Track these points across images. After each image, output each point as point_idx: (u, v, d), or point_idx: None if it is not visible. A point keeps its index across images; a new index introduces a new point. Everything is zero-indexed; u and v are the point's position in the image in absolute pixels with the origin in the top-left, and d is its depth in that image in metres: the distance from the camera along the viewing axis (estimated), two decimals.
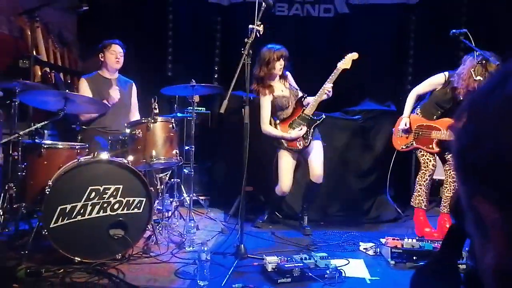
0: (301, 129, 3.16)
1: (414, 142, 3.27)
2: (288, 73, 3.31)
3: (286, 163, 3.22)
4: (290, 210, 3.69)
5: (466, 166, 0.39)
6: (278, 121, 3.24)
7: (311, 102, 3.18)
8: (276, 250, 2.77)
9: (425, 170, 3.22)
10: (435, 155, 3.23)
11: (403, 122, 3.28)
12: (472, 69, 2.88)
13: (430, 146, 3.19)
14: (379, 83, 4.85)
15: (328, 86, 3.10)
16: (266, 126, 3.19)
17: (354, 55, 3.17)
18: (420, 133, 3.23)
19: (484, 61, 2.82)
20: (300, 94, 3.27)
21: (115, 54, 3.22)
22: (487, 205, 0.37)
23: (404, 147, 3.34)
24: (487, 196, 0.37)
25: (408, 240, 2.66)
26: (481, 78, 2.81)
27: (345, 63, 3.15)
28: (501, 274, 0.37)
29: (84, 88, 3.19)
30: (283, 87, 3.26)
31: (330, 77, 3.14)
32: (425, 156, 3.24)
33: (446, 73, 3.16)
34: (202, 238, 2.95)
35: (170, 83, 3.40)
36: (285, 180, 3.22)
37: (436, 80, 3.21)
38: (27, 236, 2.41)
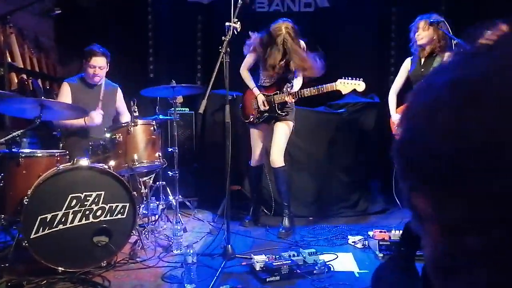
0: (263, 105, 3.17)
1: None
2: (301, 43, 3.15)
3: (251, 137, 3.35)
4: (278, 207, 3.68)
5: (405, 162, 0.39)
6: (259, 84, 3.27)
7: (284, 93, 3.15)
8: (264, 248, 2.75)
9: None
10: None
11: (393, 126, 3.30)
12: (422, 26, 3.05)
13: None
14: (361, 75, 4.85)
15: (294, 90, 3.10)
16: (243, 70, 3.31)
17: (361, 86, 3.08)
18: None
19: (437, 23, 2.89)
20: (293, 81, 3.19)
21: (93, 69, 3.02)
22: (422, 200, 0.38)
23: None
24: (421, 191, 0.38)
25: (396, 232, 2.67)
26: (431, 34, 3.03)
27: (346, 87, 3.06)
28: (439, 269, 0.37)
29: (65, 94, 3.09)
30: (279, 55, 3.11)
31: (318, 87, 3.08)
32: None
33: (409, 57, 3.27)
34: (190, 240, 2.92)
35: (152, 85, 3.35)
36: (253, 152, 3.36)
37: (404, 67, 3.30)
38: (8, 248, 2.35)
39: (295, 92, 3.10)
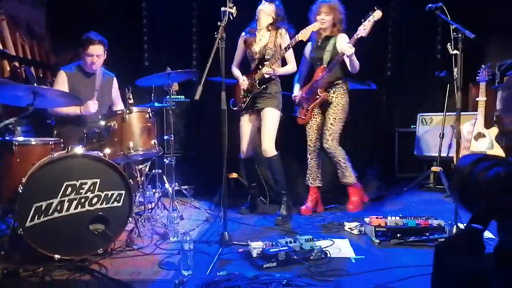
0: (244, 82, 3.28)
1: None
2: (283, 30, 3.23)
3: (240, 128, 3.41)
4: (275, 194, 3.67)
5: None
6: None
7: (264, 69, 3.17)
8: (261, 235, 2.75)
9: None
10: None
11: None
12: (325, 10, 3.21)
13: None
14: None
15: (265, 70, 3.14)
16: (232, 66, 3.41)
17: (315, 26, 3.10)
18: None
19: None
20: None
21: (91, 58, 2.99)
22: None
23: None
24: None
25: (392, 218, 2.67)
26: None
27: (303, 34, 3.07)
28: None
29: (61, 82, 3.04)
30: (264, 39, 3.26)
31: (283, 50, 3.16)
32: None
33: (309, 42, 3.42)
34: (186, 228, 2.92)
35: (147, 74, 3.31)
36: (241, 143, 3.40)
37: (305, 53, 3.48)
38: (3, 237, 2.34)
39: (268, 63, 3.15)
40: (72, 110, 2.95)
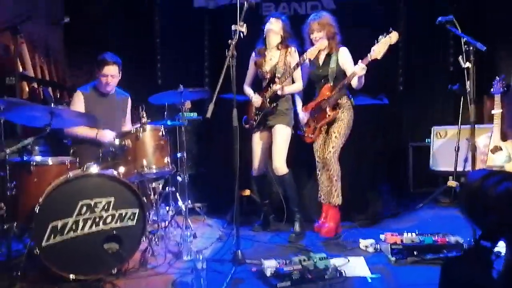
0: (256, 100, 3.29)
1: None
2: (292, 48, 3.26)
3: (252, 145, 3.41)
4: (289, 212, 3.64)
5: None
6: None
7: (275, 87, 3.20)
8: (274, 253, 2.73)
9: None
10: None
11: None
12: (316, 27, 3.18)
13: None
14: (370, 77, 4.83)
15: (275, 88, 3.18)
16: (244, 85, 3.44)
17: (322, 45, 3.09)
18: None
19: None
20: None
21: (106, 78, 3.06)
22: None
23: None
24: None
25: (408, 234, 2.62)
26: None
27: (311, 52, 3.08)
28: None
29: (78, 102, 3.12)
30: (275, 58, 3.29)
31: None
32: None
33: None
34: (199, 246, 2.91)
35: (160, 91, 3.36)
36: (253, 161, 3.40)
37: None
38: (21, 256, 2.36)
39: (278, 81, 3.18)
40: (88, 133, 3.01)
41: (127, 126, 3.37)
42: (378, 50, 2.94)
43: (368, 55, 2.98)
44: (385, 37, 2.94)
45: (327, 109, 3.18)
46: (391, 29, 2.95)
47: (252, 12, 2.72)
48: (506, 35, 4.49)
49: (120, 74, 3.14)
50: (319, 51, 3.16)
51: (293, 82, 3.33)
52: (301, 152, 3.43)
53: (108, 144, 2.87)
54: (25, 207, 2.44)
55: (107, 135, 3.00)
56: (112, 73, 3.07)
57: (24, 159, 2.56)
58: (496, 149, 3.74)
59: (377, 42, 2.96)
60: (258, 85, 3.46)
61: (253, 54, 3.43)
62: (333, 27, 3.20)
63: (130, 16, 4.98)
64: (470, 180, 1.05)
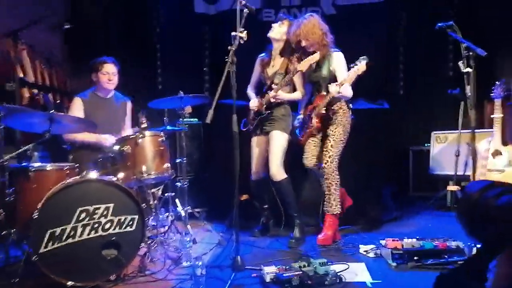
0: (253, 104, 3.31)
1: None
2: (294, 57, 3.23)
3: (251, 149, 3.40)
4: (288, 217, 3.63)
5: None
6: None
7: (270, 94, 3.20)
8: (274, 258, 2.71)
9: None
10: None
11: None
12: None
13: None
14: (370, 81, 4.83)
15: (271, 94, 3.18)
16: (248, 88, 3.49)
17: (314, 58, 3.04)
18: None
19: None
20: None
21: (107, 76, 3.13)
22: None
23: None
24: None
25: (408, 240, 2.60)
26: None
27: (303, 65, 3.05)
28: None
29: (76, 108, 3.13)
30: (277, 65, 3.29)
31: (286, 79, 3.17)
32: None
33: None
34: (199, 252, 2.90)
35: (160, 97, 3.37)
36: (252, 163, 3.39)
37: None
38: (19, 263, 2.35)
39: (275, 89, 3.18)
40: (88, 137, 3.01)
41: (128, 131, 3.38)
42: (349, 76, 2.93)
43: (343, 78, 2.96)
44: (356, 64, 2.91)
45: (313, 119, 3.15)
46: (360, 58, 2.91)
47: (252, 18, 2.73)
48: (505, 40, 4.50)
49: (118, 75, 3.17)
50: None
51: (294, 89, 3.33)
52: (299, 157, 3.42)
53: (109, 148, 2.88)
54: (24, 213, 2.42)
55: (108, 140, 3.00)
56: (112, 71, 3.13)
57: (23, 165, 2.55)
58: (497, 153, 3.74)
59: (352, 66, 2.94)
60: (262, 90, 3.45)
61: (259, 58, 3.44)
62: (321, 29, 3.10)
63: (131, 22, 5.01)
64: (469, 192, 1.04)
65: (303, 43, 3.13)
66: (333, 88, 2.97)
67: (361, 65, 2.88)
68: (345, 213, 3.34)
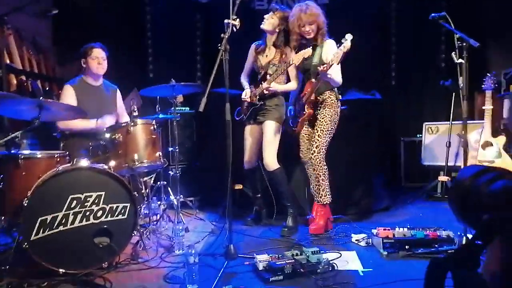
0: (245, 95, 3.30)
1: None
2: (288, 48, 3.22)
3: (244, 137, 3.39)
4: (280, 206, 3.64)
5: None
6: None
7: (263, 85, 3.19)
8: (267, 247, 2.72)
9: None
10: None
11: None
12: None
13: None
14: (362, 72, 4.83)
15: (264, 86, 3.17)
16: (241, 76, 3.47)
17: (306, 52, 3.00)
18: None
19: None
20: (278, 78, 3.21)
21: (97, 60, 3.08)
22: None
23: None
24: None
25: (399, 229, 2.63)
26: None
27: (296, 58, 3.01)
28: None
29: (69, 96, 3.07)
30: (270, 55, 3.27)
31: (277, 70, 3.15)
32: None
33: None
34: (192, 240, 2.90)
35: (151, 85, 3.32)
36: (245, 152, 3.38)
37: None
38: (9, 251, 2.32)
39: (269, 79, 3.16)
40: (85, 124, 2.96)
41: (124, 118, 3.33)
42: (337, 56, 2.84)
43: (330, 60, 2.88)
44: (342, 43, 2.83)
45: (305, 106, 3.14)
46: (346, 36, 2.83)
47: (244, 6, 2.70)
48: (497, 31, 4.53)
49: (107, 64, 3.15)
50: (304, 45, 3.10)
51: (289, 80, 3.31)
52: (293, 147, 3.43)
53: (102, 135, 2.83)
54: (13, 201, 2.38)
55: (108, 121, 2.97)
56: (101, 55, 3.10)
57: (12, 152, 2.50)
58: (487, 144, 3.78)
59: (338, 46, 2.86)
60: (254, 78, 3.43)
61: (253, 45, 3.40)
62: (323, 17, 3.13)
63: (121, 8, 4.91)
64: (461, 178, 1.03)
65: (306, 28, 3.09)
66: (321, 68, 2.92)
67: (347, 43, 2.83)
68: (337, 202, 3.36)
